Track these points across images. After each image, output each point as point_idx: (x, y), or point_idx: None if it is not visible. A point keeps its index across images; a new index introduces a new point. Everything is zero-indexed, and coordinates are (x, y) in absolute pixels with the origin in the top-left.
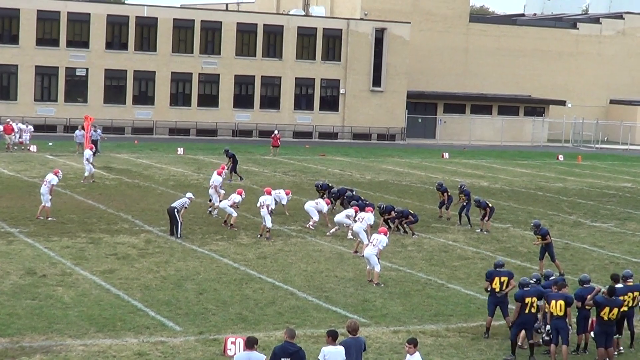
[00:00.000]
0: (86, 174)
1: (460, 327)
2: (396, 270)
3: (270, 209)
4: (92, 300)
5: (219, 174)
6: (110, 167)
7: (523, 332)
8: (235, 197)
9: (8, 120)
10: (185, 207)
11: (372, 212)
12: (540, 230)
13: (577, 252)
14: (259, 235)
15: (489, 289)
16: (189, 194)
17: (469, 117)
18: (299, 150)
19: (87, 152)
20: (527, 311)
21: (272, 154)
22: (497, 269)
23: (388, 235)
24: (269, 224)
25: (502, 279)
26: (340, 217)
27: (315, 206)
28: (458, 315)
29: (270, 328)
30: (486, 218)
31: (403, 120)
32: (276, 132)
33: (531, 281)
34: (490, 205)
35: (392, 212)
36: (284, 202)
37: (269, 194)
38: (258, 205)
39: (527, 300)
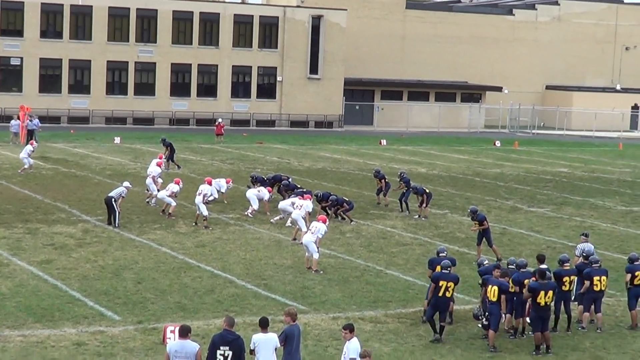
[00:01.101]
0: (26, 166)
1: (399, 312)
2: (335, 257)
3: (206, 198)
4: (29, 290)
5: (159, 165)
6: (47, 157)
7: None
8: (173, 187)
9: None
10: (123, 197)
11: (310, 200)
12: (477, 216)
13: (515, 237)
14: (194, 224)
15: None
16: (126, 183)
17: (407, 104)
18: (237, 139)
19: (29, 148)
20: (440, 294)
21: (216, 142)
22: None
23: (327, 223)
24: (205, 212)
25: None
26: (284, 204)
27: (257, 194)
28: (397, 301)
29: (209, 316)
30: (424, 204)
31: (340, 107)
32: (220, 120)
33: (511, 266)
34: (427, 191)
35: (329, 200)
36: (223, 190)
37: (210, 184)
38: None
39: (442, 283)
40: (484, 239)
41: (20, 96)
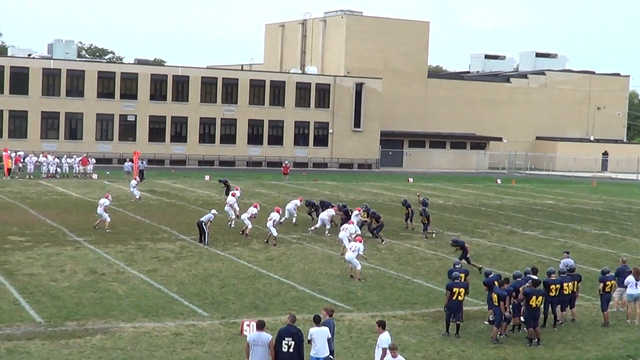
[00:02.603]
0: (137, 196)
1: (423, 312)
2: (373, 268)
3: (274, 222)
4: (139, 292)
5: (233, 195)
6: (154, 190)
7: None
8: (252, 210)
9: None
10: (211, 221)
11: (354, 224)
12: (457, 243)
13: (512, 254)
14: (265, 242)
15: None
16: (214, 211)
17: (428, 151)
18: (298, 177)
19: (133, 182)
20: (454, 298)
21: (283, 179)
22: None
23: (362, 242)
24: (274, 233)
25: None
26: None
27: (327, 214)
28: (421, 303)
29: (276, 314)
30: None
31: (377, 152)
32: (286, 162)
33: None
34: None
35: (370, 213)
36: (298, 204)
37: (278, 212)
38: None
39: (455, 290)
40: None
41: (134, 144)
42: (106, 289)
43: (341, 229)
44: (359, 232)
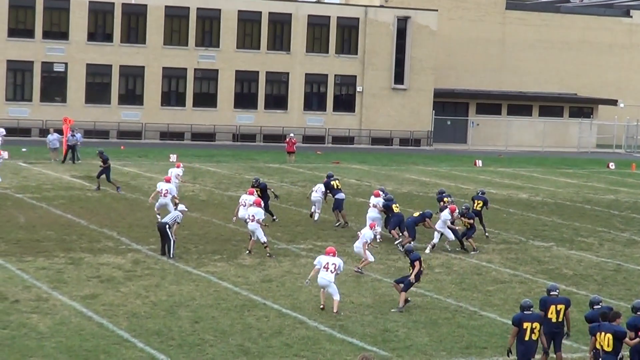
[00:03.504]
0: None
1: None
2: (422, 295)
3: (260, 221)
4: (71, 329)
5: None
6: (92, 176)
7: None
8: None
9: None
10: (178, 223)
11: (373, 228)
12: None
13: (631, 275)
14: (248, 252)
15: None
16: (181, 207)
17: (506, 119)
18: (309, 157)
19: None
20: (526, 338)
21: (287, 162)
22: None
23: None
24: (263, 238)
25: (559, 307)
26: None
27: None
28: (493, 347)
29: None
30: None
31: (429, 122)
32: (291, 135)
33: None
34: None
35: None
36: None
37: (259, 205)
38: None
39: (526, 325)
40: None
41: (64, 107)
42: (21, 324)
43: (359, 233)
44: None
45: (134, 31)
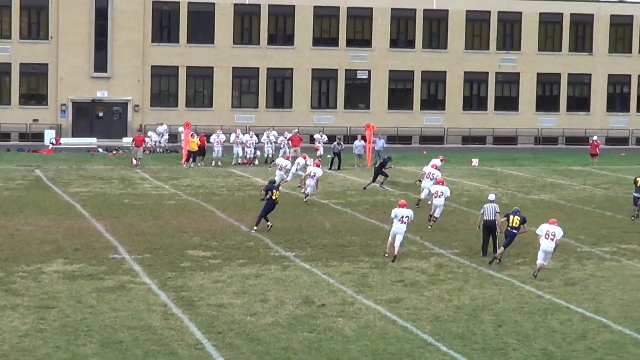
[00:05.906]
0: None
1: None
2: None
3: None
4: (376, 333)
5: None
6: (396, 181)
7: None
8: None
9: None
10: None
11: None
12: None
13: None
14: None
15: None
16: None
17: None
18: (613, 159)
19: (302, 160)
20: None
21: (591, 164)
22: None
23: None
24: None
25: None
26: None
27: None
28: None
29: None
30: None
31: None
32: (594, 137)
33: None
34: None
35: None
36: None
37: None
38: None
39: None
40: None
41: (367, 113)
42: (327, 327)
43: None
44: None
45: (435, 36)
